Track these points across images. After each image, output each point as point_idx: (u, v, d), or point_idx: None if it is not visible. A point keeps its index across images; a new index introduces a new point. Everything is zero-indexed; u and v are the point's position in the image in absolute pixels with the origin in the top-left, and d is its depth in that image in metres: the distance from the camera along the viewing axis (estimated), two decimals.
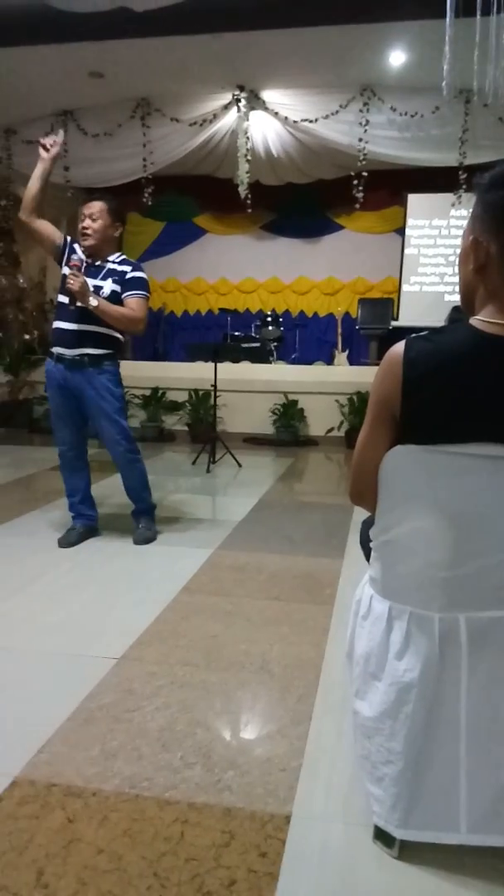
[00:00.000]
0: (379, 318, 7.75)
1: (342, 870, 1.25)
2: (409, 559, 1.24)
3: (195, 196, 8.90)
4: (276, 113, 6.69)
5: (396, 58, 5.85)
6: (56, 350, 3.05)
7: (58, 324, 3.04)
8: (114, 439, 3.12)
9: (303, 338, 8.85)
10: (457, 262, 1.25)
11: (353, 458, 1.31)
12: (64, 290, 2.94)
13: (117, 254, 3.10)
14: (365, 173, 6.70)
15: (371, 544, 1.35)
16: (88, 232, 2.97)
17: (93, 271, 3.01)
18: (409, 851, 1.27)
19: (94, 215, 2.97)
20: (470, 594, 1.19)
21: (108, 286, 3.00)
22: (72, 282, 2.84)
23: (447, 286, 7.99)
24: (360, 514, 1.53)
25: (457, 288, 1.26)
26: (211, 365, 5.63)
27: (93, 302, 2.86)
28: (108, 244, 3.04)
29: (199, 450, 5.57)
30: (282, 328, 8.12)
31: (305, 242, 9.17)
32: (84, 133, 7.02)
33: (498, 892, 1.20)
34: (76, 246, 3.03)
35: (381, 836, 1.29)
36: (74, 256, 2.95)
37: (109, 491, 3.92)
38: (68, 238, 3.06)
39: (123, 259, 3.09)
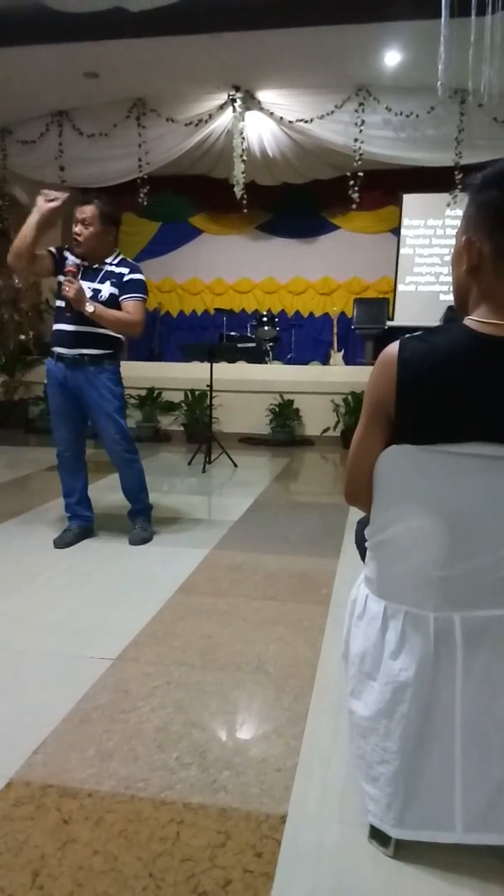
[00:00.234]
0: (374, 318, 7.76)
1: (338, 869, 1.25)
2: (404, 559, 1.24)
3: (191, 196, 8.90)
4: (272, 113, 6.70)
5: (392, 58, 5.87)
6: (56, 350, 3.05)
7: (57, 326, 3.04)
8: (112, 438, 3.12)
9: (298, 338, 8.85)
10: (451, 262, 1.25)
11: (348, 458, 1.32)
12: (61, 295, 2.93)
13: (114, 254, 3.07)
14: (360, 173, 6.72)
15: (366, 544, 1.35)
16: (80, 239, 2.93)
17: (90, 274, 2.99)
18: (404, 851, 1.27)
19: (87, 220, 2.91)
20: (465, 593, 1.20)
21: (107, 289, 2.98)
22: (67, 289, 2.83)
23: (442, 286, 8.01)
24: (356, 513, 1.53)
25: (451, 288, 1.26)
26: (207, 365, 5.64)
27: (89, 308, 2.85)
28: (103, 247, 3.01)
29: (195, 450, 5.57)
30: (277, 328, 8.12)
31: (301, 242, 9.18)
32: (79, 133, 7.03)
33: (494, 890, 1.20)
34: (67, 253, 3.00)
35: (377, 835, 1.29)
36: (68, 262, 2.93)
37: (106, 491, 3.91)
38: (54, 249, 3.00)
39: (121, 260, 3.07)
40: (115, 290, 2.99)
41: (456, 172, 6.52)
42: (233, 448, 5.76)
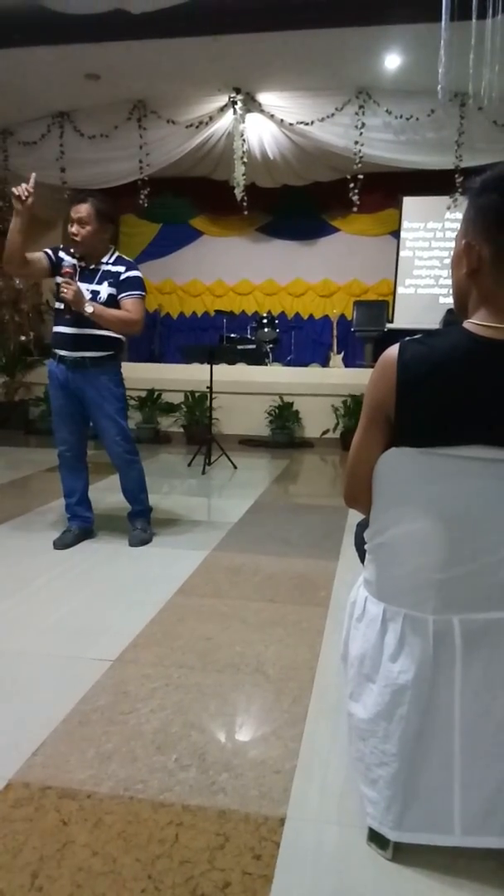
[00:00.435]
0: (374, 321, 7.77)
1: (336, 872, 1.25)
2: (403, 561, 1.25)
3: (191, 198, 8.92)
4: (272, 115, 6.71)
5: (392, 61, 5.88)
6: (57, 352, 3.05)
7: (57, 328, 3.04)
8: (113, 440, 3.12)
9: (298, 340, 8.86)
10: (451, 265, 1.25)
11: (348, 460, 1.32)
12: (59, 297, 2.93)
13: (110, 252, 3.05)
14: (360, 176, 6.72)
15: (365, 546, 1.35)
16: (77, 239, 2.92)
17: (87, 275, 2.99)
18: (403, 853, 1.27)
19: (84, 219, 2.89)
20: (464, 596, 1.20)
21: (105, 290, 2.97)
22: (65, 290, 2.82)
23: (442, 289, 8.02)
24: (355, 516, 1.53)
25: (451, 291, 1.26)
26: (207, 367, 5.64)
27: (88, 309, 2.85)
28: (99, 246, 3.00)
29: (195, 452, 5.57)
30: (277, 330, 8.13)
31: (301, 245, 9.19)
32: (80, 135, 7.03)
33: (492, 893, 1.20)
34: (62, 254, 2.99)
35: (376, 838, 1.29)
36: (65, 263, 2.93)
37: (106, 493, 3.91)
38: (50, 250, 2.99)
39: (117, 258, 3.05)
40: (113, 290, 2.98)
41: (456, 176, 6.53)
42: (232, 450, 5.76)
